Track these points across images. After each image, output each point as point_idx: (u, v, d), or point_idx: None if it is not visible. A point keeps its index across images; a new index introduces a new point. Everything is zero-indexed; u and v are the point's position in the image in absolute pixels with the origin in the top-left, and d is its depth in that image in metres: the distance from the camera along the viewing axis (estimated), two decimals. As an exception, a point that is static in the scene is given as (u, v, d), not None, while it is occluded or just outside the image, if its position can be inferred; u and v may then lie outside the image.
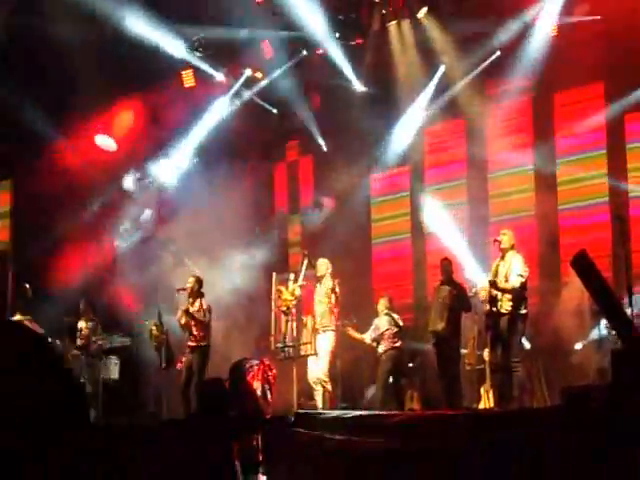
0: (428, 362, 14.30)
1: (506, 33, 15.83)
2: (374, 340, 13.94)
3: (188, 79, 17.83)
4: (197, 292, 13.48)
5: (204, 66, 17.74)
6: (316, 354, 12.67)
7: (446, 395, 12.46)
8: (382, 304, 14.13)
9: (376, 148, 17.81)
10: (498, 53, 16.18)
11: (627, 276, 10.50)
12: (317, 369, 12.75)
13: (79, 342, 14.81)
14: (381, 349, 13.85)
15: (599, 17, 14.99)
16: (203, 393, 8.60)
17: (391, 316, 13.91)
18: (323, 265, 13.20)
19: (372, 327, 14.05)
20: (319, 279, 13.14)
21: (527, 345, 12.79)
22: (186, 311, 13.25)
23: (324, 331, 12.77)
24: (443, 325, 12.44)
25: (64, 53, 15.47)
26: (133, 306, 16.30)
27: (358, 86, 17.61)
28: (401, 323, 14.01)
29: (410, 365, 15.06)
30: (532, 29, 15.70)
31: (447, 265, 12.97)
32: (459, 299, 12.49)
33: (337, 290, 12.91)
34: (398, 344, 13.87)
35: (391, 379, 13.84)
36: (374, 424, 9.59)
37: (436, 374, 13.02)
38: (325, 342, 12.77)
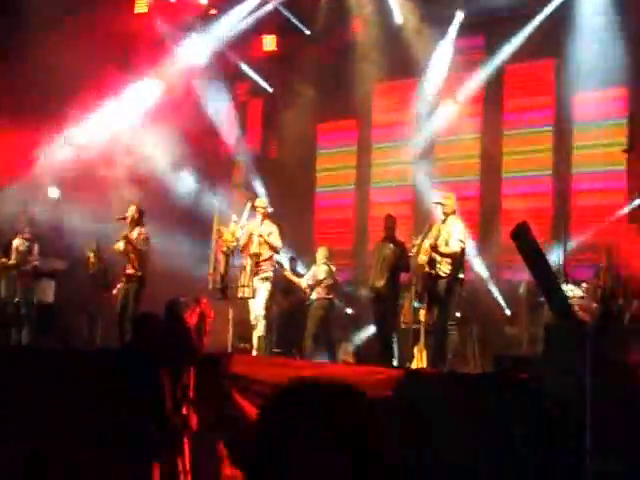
0: (364, 314, 14.52)
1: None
2: (310, 287, 14.02)
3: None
4: (137, 220, 13.40)
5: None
6: (254, 297, 12.71)
7: (380, 351, 12.63)
8: (321, 253, 14.17)
9: (326, 98, 17.83)
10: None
11: (564, 253, 10.77)
12: (255, 308, 12.80)
13: (13, 260, 14.57)
14: (314, 296, 13.94)
15: None
16: (138, 326, 8.66)
17: (329, 267, 13.99)
18: (262, 204, 13.23)
19: (310, 273, 14.14)
20: (260, 222, 13.09)
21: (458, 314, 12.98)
22: (125, 237, 13.18)
23: (263, 273, 12.82)
24: (383, 282, 12.46)
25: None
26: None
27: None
28: (337, 277, 14.13)
29: (348, 312, 15.23)
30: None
31: (391, 222, 12.98)
32: (400, 258, 12.49)
33: (277, 236, 12.92)
34: (331, 296, 13.97)
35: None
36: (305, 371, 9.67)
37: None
38: (262, 284, 12.83)
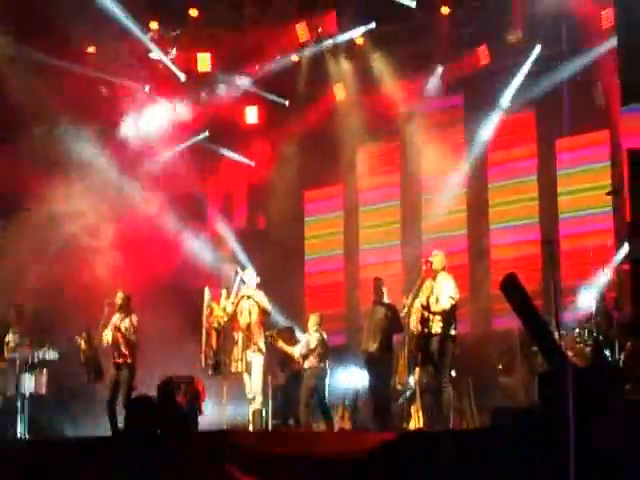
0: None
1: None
2: (303, 356, 13.88)
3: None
4: (126, 308, 13.40)
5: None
6: (247, 371, 12.60)
7: (376, 415, 12.51)
8: (313, 321, 14.00)
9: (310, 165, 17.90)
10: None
11: (555, 300, 10.67)
12: (252, 383, 12.67)
13: (6, 355, 14.52)
14: (307, 365, 13.77)
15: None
16: (131, 411, 8.57)
17: (321, 335, 13.85)
18: (251, 276, 13.14)
19: (302, 342, 13.98)
20: (251, 292, 13.00)
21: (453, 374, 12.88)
22: (117, 327, 13.15)
23: (254, 345, 12.70)
24: (376, 346, 12.48)
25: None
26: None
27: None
28: (328, 344, 14.04)
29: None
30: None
31: (379, 284, 13.00)
32: (392, 320, 12.50)
33: (268, 303, 12.86)
34: (322, 365, 13.85)
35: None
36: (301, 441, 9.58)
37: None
38: (256, 359, 12.70)
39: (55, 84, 16.16)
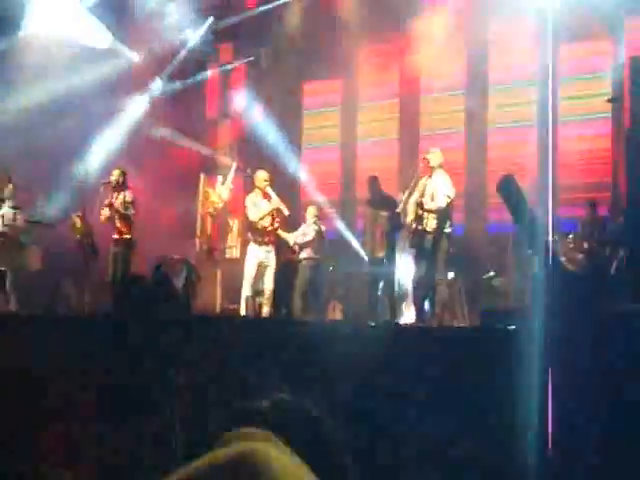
0: (353, 275, 14.56)
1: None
2: (299, 245, 13.91)
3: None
4: (122, 185, 13.45)
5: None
6: (240, 258, 12.68)
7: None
8: (311, 212, 14.03)
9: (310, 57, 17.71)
10: None
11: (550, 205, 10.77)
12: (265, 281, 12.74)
13: (1, 228, 14.51)
14: (303, 256, 13.85)
15: None
16: (127, 288, 8.68)
17: (319, 227, 13.91)
18: (262, 177, 13.00)
19: (299, 231, 13.93)
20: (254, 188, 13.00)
21: (451, 275, 12.96)
22: (110, 205, 13.20)
23: (266, 245, 12.74)
24: (383, 253, 12.45)
25: None
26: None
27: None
28: (325, 236, 14.08)
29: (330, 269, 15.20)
30: None
31: (375, 183, 12.96)
32: (394, 220, 12.42)
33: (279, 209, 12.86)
34: (318, 256, 13.93)
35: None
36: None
37: (361, 287, 13.11)
38: (272, 258, 12.77)
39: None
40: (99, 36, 17.35)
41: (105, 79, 16.85)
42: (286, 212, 12.62)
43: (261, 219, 12.63)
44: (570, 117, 15.37)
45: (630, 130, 9.70)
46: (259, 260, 12.61)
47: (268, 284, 12.58)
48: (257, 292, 12.68)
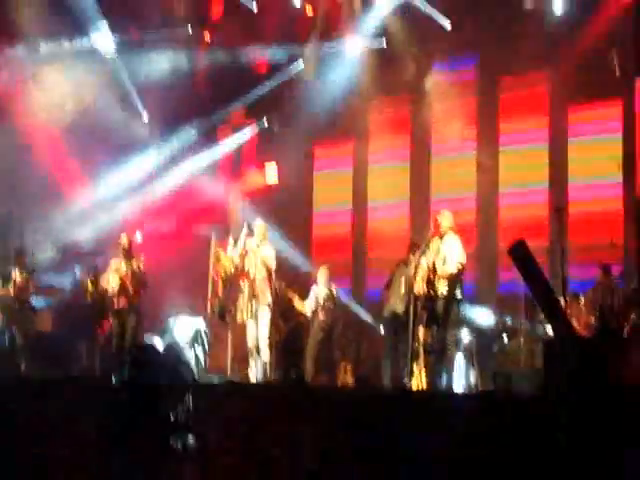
0: (364, 336, 14.49)
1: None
2: (312, 311, 13.86)
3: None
4: (129, 250, 13.52)
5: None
6: (254, 322, 12.60)
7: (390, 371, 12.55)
8: (322, 274, 14.04)
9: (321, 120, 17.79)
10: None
11: (562, 268, 10.74)
12: (254, 336, 12.70)
13: (12, 292, 14.55)
14: (315, 319, 13.84)
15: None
16: (136, 359, 8.63)
17: (330, 289, 13.89)
18: (261, 228, 12.98)
19: (311, 297, 13.91)
20: (257, 245, 12.94)
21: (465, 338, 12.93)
22: (120, 270, 13.23)
23: (262, 299, 12.70)
24: (403, 309, 12.27)
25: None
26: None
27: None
28: (338, 299, 14.04)
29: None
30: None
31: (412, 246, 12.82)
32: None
33: (273, 259, 12.85)
34: (329, 317, 13.86)
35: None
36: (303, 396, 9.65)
37: (372, 349, 13.02)
38: (262, 311, 12.73)
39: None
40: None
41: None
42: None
43: None
44: (580, 178, 15.39)
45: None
46: None
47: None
48: None
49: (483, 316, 14.36)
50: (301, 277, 16.04)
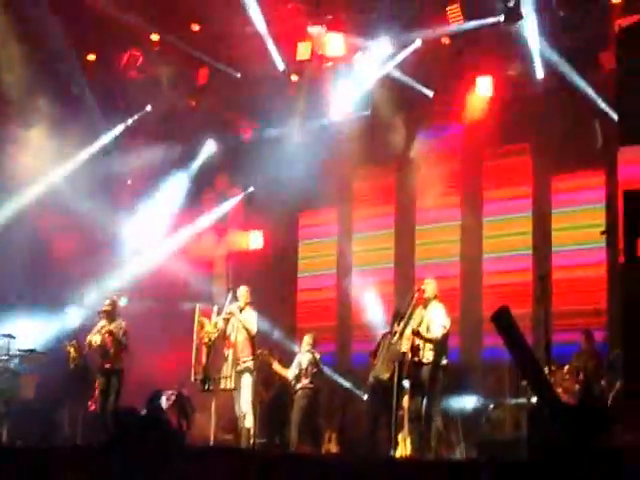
0: (349, 404, 14.39)
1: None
2: (295, 377, 13.89)
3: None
4: (114, 314, 13.54)
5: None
6: (236, 389, 12.63)
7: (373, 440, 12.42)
8: (306, 341, 14.08)
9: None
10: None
11: (546, 335, 10.76)
12: (240, 403, 12.69)
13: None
14: (298, 386, 13.80)
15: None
16: (119, 422, 8.59)
17: (313, 355, 13.90)
18: (245, 292, 13.20)
19: (295, 363, 13.99)
20: (240, 308, 13.09)
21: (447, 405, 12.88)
22: (106, 331, 13.23)
23: (244, 364, 12.74)
24: (389, 376, 12.07)
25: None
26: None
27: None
28: (321, 365, 14.03)
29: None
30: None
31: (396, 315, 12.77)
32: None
33: (254, 323, 12.91)
34: (313, 385, 13.83)
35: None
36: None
37: (357, 416, 12.94)
38: (245, 377, 12.73)
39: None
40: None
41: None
42: None
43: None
44: (564, 247, 15.47)
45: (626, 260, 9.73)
46: None
47: None
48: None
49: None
50: (284, 344, 16.02)
